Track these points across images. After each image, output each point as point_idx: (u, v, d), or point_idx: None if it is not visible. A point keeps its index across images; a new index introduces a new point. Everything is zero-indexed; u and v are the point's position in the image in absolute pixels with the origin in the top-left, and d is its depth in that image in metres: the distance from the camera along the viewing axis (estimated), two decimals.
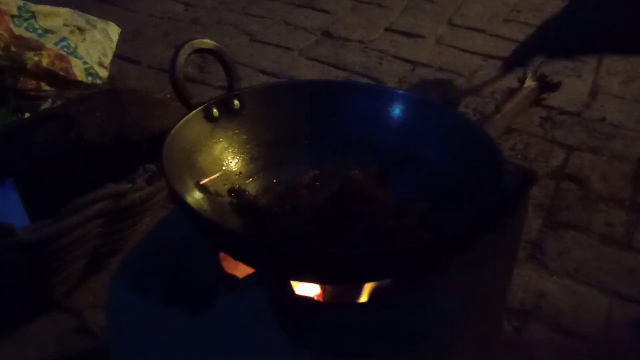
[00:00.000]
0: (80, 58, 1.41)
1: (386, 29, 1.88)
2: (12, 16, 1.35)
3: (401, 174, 0.77)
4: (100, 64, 1.46)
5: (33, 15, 1.38)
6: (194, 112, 0.74)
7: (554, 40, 1.79)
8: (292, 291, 0.68)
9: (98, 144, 1.04)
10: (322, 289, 0.71)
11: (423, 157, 0.77)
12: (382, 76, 1.66)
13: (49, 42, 1.38)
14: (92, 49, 1.45)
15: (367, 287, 0.70)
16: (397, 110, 0.81)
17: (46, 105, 1.28)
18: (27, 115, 1.24)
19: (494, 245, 0.74)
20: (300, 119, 0.81)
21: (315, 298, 0.71)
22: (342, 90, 0.83)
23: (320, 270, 0.63)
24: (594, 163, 1.38)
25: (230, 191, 0.74)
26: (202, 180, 0.73)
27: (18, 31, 1.34)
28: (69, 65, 1.38)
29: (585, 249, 1.17)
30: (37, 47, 1.35)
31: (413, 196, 0.75)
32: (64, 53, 1.39)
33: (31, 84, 1.34)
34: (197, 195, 0.72)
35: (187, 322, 0.67)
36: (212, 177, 0.74)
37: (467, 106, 1.54)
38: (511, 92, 1.49)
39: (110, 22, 1.55)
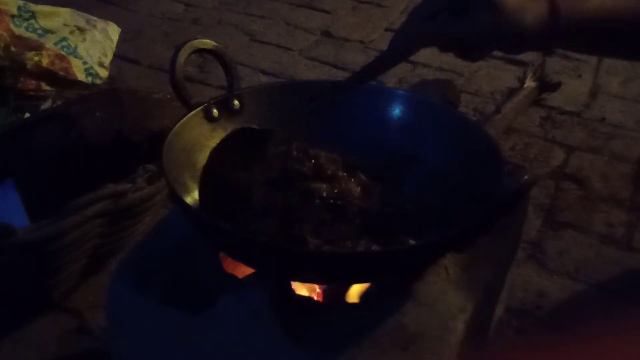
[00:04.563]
0: (80, 58, 1.41)
1: (386, 29, 1.87)
2: (12, 16, 1.35)
3: (401, 174, 0.77)
4: (100, 64, 1.46)
5: (33, 15, 1.38)
6: (194, 112, 0.74)
7: None
8: (292, 291, 0.68)
9: (98, 144, 1.03)
10: (322, 289, 0.71)
11: (423, 158, 0.77)
12: (382, 76, 1.66)
13: (49, 42, 1.38)
14: (92, 49, 1.45)
15: (367, 287, 0.70)
16: (397, 111, 0.81)
17: (46, 105, 1.28)
18: (27, 115, 1.24)
19: (494, 245, 0.74)
20: (300, 119, 0.80)
21: (315, 298, 0.71)
22: (342, 90, 0.83)
23: (320, 270, 0.63)
24: (594, 163, 1.38)
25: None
26: None
27: (18, 31, 1.34)
28: (69, 65, 1.38)
29: (585, 249, 1.16)
30: (37, 47, 1.34)
31: (413, 196, 0.75)
32: (64, 53, 1.38)
33: (31, 84, 1.33)
34: (197, 195, 0.72)
35: (187, 322, 0.67)
36: None
37: (467, 106, 1.54)
38: (511, 92, 1.49)
39: (110, 22, 1.55)
